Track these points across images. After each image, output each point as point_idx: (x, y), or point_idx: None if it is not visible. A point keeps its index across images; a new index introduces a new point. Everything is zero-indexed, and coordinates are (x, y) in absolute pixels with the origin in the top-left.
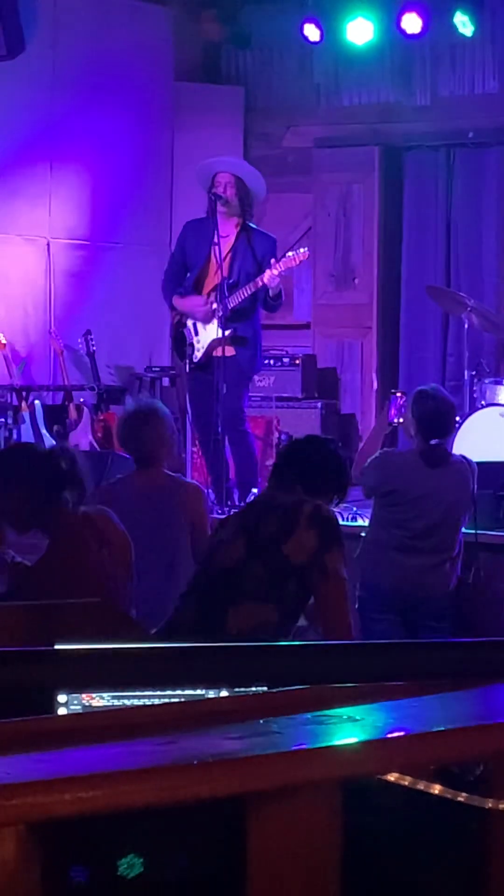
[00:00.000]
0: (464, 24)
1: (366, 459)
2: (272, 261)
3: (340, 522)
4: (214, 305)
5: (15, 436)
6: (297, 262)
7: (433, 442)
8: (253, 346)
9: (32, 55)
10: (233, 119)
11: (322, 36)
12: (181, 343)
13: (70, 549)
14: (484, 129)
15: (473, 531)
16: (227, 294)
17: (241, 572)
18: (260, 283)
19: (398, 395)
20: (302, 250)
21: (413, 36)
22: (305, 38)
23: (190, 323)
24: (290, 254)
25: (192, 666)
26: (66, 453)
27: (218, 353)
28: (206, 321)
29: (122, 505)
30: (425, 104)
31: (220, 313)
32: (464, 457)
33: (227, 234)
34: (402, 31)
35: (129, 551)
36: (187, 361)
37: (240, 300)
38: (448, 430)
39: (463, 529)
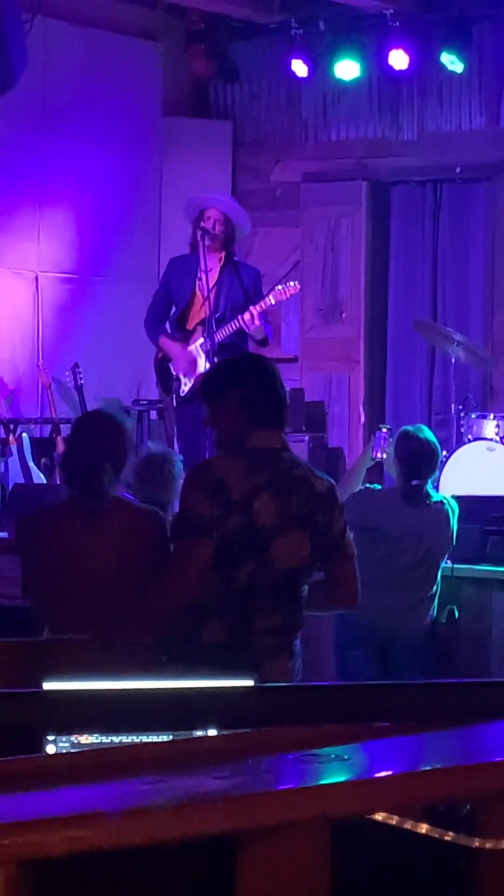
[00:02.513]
0: (452, 62)
1: (346, 493)
2: (250, 307)
3: None
4: (199, 343)
5: (2, 469)
6: (288, 295)
7: (414, 482)
8: None
9: (22, 91)
10: (221, 153)
11: (310, 71)
12: (167, 377)
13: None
14: (471, 164)
15: (450, 565)
16: (214, 329)
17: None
18: (237, 326)
19: (384, 430)
20: (292, 284)
21: (400, 71)
22: (293, 74)
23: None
24: (279, 287)
25: (180, 707)
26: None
27: None
28: (188, 373)
29: None
30: (412, 139)
31: (208, 347)
32: (444, 497)
33: (212, 268)
34: (390, 67)
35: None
36: (174, 395)
37: (226, 335)
38: (430, 471)
39: (441, 570)
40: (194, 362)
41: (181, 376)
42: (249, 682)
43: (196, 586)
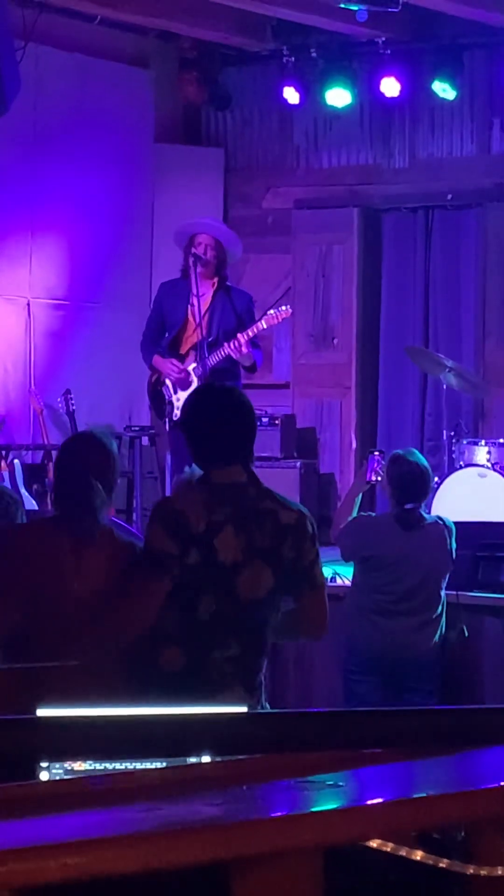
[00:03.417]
0: (443, 89)
1: (343, 519)
2: (239, 334)
3: None
4: (191, 368)
5: None
6: (280, 319)
7: (408, 506)
8: None
9: (14, 117)
10: (213, 180)
11: (301, 99)
12: (160, 401)
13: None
14: (462, 191)
15: (455, 592)
16: (206, 353)
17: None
18: (224, 353)
19: (376, 453)
20: (284, 308)
21: (392, 99)
22: (285, 101)
23: (169, 381)
24: (271, 311)
25: (174, 734)
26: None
27: None
28: (181, 387)
29: None
30: (404, 166)
31: (200, 371)
32: (439, 517)
33: (204, 293)
34: (381, 95)
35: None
36: (167, 419)
37: (219, 359)
38: (423, 494)
39: (444, 589)
40: (185, 379)
41: (174, 400)
42: (243, 709)
43: (147, 621)
